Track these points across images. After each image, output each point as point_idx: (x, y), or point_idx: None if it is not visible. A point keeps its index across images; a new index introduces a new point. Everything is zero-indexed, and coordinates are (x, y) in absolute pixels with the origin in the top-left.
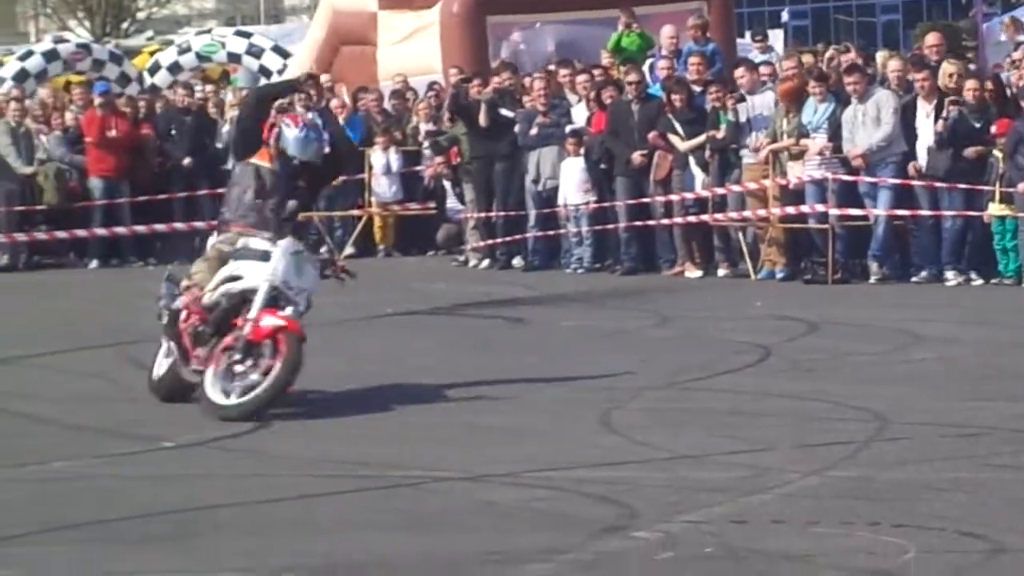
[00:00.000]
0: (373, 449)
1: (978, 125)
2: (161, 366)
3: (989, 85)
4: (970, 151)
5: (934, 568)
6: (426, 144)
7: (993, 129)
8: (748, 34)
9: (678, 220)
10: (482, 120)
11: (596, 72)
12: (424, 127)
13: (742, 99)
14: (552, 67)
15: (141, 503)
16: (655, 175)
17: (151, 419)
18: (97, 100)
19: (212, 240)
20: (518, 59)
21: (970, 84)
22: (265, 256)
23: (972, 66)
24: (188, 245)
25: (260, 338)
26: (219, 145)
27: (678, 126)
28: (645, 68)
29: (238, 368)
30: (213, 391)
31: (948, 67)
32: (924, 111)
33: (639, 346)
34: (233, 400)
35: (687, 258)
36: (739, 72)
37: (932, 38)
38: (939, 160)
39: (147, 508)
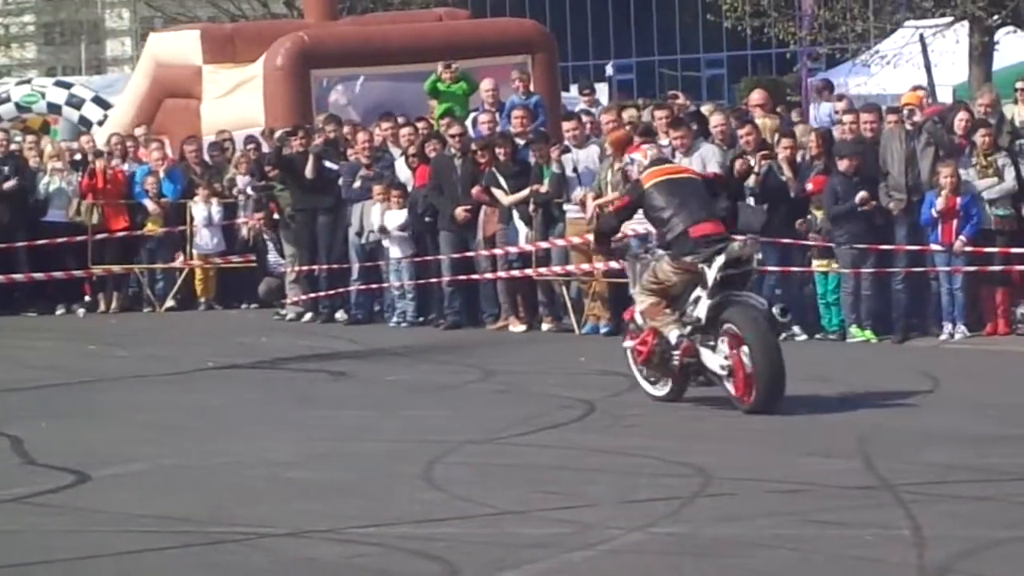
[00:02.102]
0: (195, 505)
1: (783, 178)
2: None
3: (817, 141)
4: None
5: None
6: (242, 198)
7: (809, 187)
8: (574, 88)
9: (502, 274)
10: (308, 172)
11: (420, 125)
12: (240, 180)
13: (567, 150)
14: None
15: None
16: (484, 232)
17: None
18: None
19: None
20: (341, 112)
21: (785, 142)
22: None
23: (793, 120)
24: (6, 297)
25: None
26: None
27: (502, 180)
28: (468, 123)
29: None
30: None
31: (767, 122)
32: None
33: (462, 401)
34: None
35: (511, 312)
36: (571, 124)
37: (757, 96)
38: (753, 216)
39: None
